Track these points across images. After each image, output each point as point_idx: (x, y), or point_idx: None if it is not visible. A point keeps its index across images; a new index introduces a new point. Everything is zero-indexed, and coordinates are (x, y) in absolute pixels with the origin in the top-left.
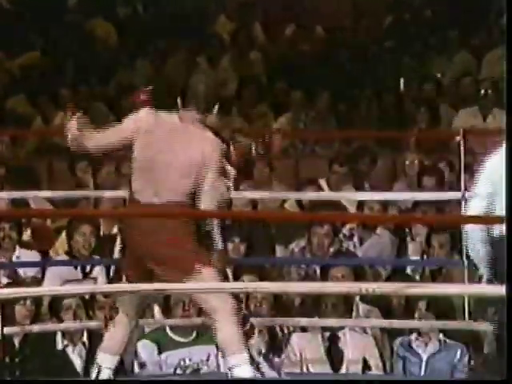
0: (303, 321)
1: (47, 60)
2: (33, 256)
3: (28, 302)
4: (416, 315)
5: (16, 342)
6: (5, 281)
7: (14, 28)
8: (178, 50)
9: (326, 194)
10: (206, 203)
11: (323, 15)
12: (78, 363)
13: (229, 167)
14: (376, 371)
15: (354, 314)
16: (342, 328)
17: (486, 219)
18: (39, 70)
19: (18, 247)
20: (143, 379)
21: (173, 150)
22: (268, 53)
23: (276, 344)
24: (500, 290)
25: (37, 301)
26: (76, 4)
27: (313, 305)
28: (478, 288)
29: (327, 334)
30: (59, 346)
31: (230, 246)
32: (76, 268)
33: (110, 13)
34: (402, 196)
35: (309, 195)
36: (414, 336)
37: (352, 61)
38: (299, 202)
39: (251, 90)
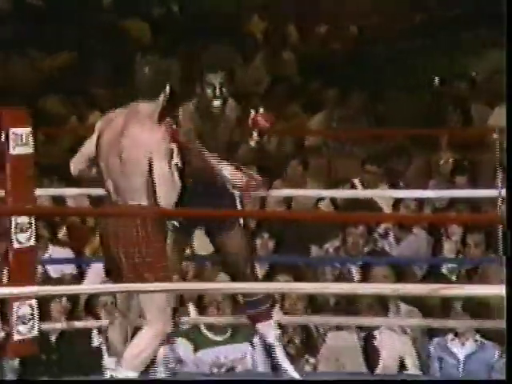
0: (339, 320)
1: (82, 60)
2: (66, 254)
3: (63, 300)
4: (452, 315)
5: (52, 338)
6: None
7: (51, 28)
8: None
9: (361, 192)
10: (162, 199)
11: (355, 14)
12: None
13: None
14: (413, 371)
15: (393, 313)
16: (377, 327)
17: (485, 218)
18: (74, 69)
19: (50, 246)
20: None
21: (118, 150)
22: (301, 52)
23: (311, 343)
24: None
25: (72, 298)
26: (111, 4)
27: (347, 304)
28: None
29: (363, 333)
30: (95, 343)
31: (258, 241)
32: None
33: (144, 13)
34: (437, 194)
35: (343, 193)
36: (450, 336)
37: (384, 59)
38: (334, 202)
39: (282, 88)
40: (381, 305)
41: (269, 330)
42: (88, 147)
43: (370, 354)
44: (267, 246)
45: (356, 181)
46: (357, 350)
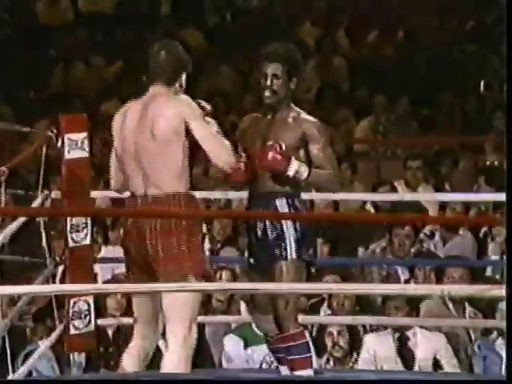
0: (376, 320)
1: (139, 66)
2: (118, 252)
3: (118, 296)
4: (498, 315)
5: (110, 333)
6: None
7: (112, 36)
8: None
9: (403, 195)
10: (217, 158)
11: (405, 20)
12: None
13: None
14: (449, 369)
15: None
16: (410, 328)
17: (485, 220)
18: (132, 76)
19: (103, 248)
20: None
21: (147, 127)
22: (351, 58)
23: (356, 343)
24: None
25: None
26: (169, 14)
27: (382, 304)
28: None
29: (397, 334)
30: None
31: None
32: None
33: (200, 22)
34: (480, 197)
35: (386, 196)
36: (495, 336)
37: (434, 64)
38: (374, 203)
39: (332, 94)
40: (411, 306)
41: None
42: (114, 156)
43: (405, 354)
44: (322, 250)
45: (396, 183)
46: (393, 351)
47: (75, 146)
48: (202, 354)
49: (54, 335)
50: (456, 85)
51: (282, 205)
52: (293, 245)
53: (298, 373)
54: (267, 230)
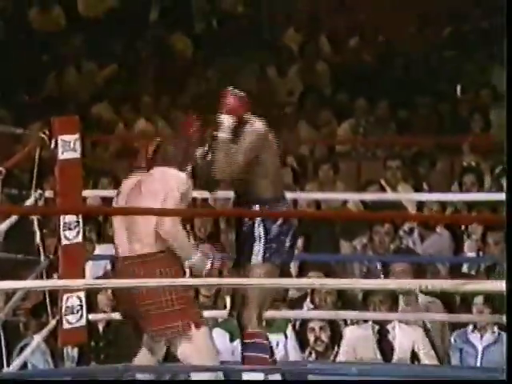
0: (355, 314)
1: (129, 70)
2: (111, 249)
3: (109, 292)
4: (474, 310)
5: (100, 327)
6: None
7: (103, 41)
8: (250, 61)
9: (386, 195)
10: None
11: (385, 27)
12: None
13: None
14: (426, 361)
15: (405, 305)
16: (390, 321)
17: (485, 219)
18: (122, 79)
19: (97, 246)
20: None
21: (140, 186)
22: (333, 63)
23: (337, 336)
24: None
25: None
26: (158, 20)
27: (363, 299)
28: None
29: (377, 327)
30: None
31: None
32: None
33: (187, 27)
34: (456, 197)
35: (365, 196)
36: (470, 328)
37: (412, 69)
38: (362, 202)
39: (315, 97)
40: (391, 300)
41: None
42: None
43: (385, 346)
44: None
45: (383, 181)
46: (372, 343)
47: (68, 147)
48: None
49: (47, 329)
50: (433, 89)
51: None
52: (261, 249)
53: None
54: (243, 232)
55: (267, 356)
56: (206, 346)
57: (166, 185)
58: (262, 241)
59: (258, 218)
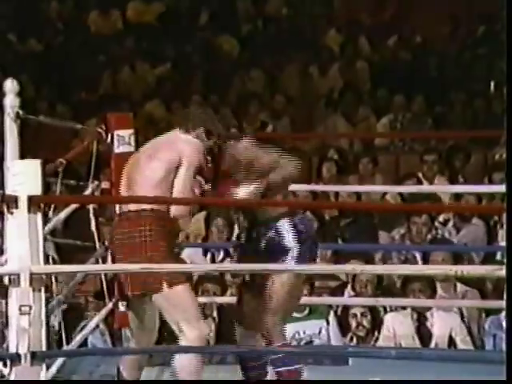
0: (396, 301)
1: (180, 70)
2: None
3: None
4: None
5: None
6: None
7: (155, 42)
8: (293, 61)
9: (421, 187)
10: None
11: (422, 26)
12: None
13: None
14: (462, 346)
15: (443, 293)
16: (429, 309)
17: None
18: (173, 79)
19: None
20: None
21: (152, 152)
22: (372, 61)
23: (377, 322)
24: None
25: None
26: (207, 23)
27: (402, 288)
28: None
29: (416, 315)
30: None
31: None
32: (205, 255)
33: (234, 29)
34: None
35: (402, 188)
36: (503, 315)
37: (447, 67)
38: (400, 193)
39: (354, 95)
40: (430, 288)
41: None
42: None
43: (423, 332)
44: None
45: (420, 175)
46: (411, 329)
47: (123, 141)
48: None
49: (104, 312)
50: (467, 86)
51: (283, 224)
52: (292, 259)
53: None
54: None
55: (300, 365)
56: (180, 303)
57: (178, 150)
58: (295, 252)
59: (286, 228)
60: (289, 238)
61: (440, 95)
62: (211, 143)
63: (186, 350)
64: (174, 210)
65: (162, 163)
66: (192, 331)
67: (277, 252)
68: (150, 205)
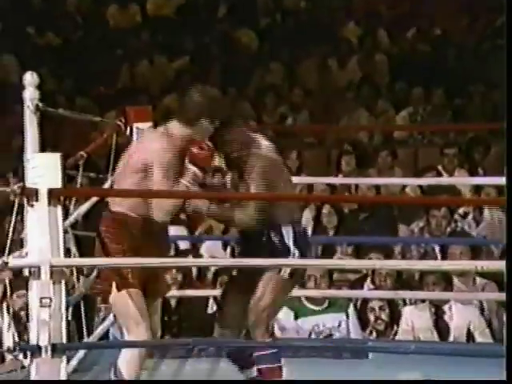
0: (420, 294)
1: (198, 63)
2: (181, 231)
3: (174, 271)
4: None
5: (172, 303)
6: None
7: (174, 36)
8: (312, 54)
9: (440, 180)
10: (154, 209)
11: (441, 18)
12: None
13: (190, 166)
14: (481, 340)
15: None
16: (446, 302)
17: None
18: (191, 72)
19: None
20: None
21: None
22: (391, 54)
23: (396, 316)
24: None
25: (185, 270)
26: (225, 15)
27: (420, 281)
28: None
29: (433, 308)
30: (209, 311)
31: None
32: (225, 249)
33: (253, 22)
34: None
35: (421, 181)
36: None
37: (466, 59)
38: (420, 186)
39: (373, 87)
40: (445, 281)
41: None
42: None
43: (441, 326)
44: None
45: (440, 168)
46: (429, 322)
47: (142, 134)
48: None
49: None
50: (486, 77)
51: (287, 230)
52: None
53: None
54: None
55: (281, 364)
56: (121, 308)
57: (146, 151)
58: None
59: (288, 233)
60: (290, 241)
61: (459, 87)
62: (211, 128)
63: (202, 342)
64: (156, 213)
65: (133, 167)
66: (129, 336)
67: (277, 253)
68: (128, 210)
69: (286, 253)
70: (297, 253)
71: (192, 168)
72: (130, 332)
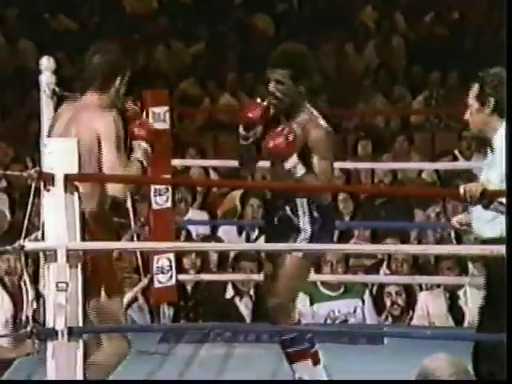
0: (437, 279)
1: (215, 49)
2: (202, 216)
3: (193, 255)
4: None
5: (189, 288)
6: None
7: (190, 21)
8: (329, 39)
9: (455, 164)
10: (108, 186)
11: (459, 2)
12: (245, 312)
13: (140, 142)
14: None
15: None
16: (460, 287)
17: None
18: (208, 57)
19: (191, 209)
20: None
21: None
22: (408, 38)
23: (412, 302)
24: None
25: (203, 254)
26: (241, 2)
27: (435, 266)
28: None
29: (448, 293)
30: (227, 296)
31: None
32: (240, 235)
33: (269, 8)
34: None
35: (437, 165)
36: None
37: (483, 43)
38: (436, 171)
39: (390, 72)
40: (460, 267)
41: (305, 370)
42: None
43: (455, 311)
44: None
45: (456, 151)
46: (444, 308)
47: (158, 118)
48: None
49: (139, 287)
50: (502, 60)
51: (301, 203)
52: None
53: (296, 365)
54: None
55: (307, 345)
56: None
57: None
58: (307, 235)
59: (304, 211)
60: (304, 219)
61: (476, 71)
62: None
63: (219, 326)
64: (110, 188)
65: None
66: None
67: (289, 230)
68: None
69: (297, 232)
70: (308, 232)
71: (142, 144)
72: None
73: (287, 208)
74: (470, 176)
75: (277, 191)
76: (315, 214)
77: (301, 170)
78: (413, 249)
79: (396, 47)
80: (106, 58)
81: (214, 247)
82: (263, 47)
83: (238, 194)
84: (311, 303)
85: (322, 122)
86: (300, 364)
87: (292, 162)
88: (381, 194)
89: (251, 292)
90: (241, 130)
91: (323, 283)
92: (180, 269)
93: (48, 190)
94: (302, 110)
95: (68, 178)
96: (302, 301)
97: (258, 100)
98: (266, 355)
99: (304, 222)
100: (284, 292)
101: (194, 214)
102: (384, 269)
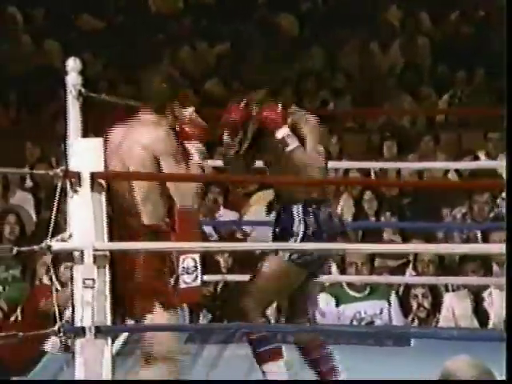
0: (463, 279)
1: (239, 49)
2: (233, 216)
3: (226, 255)
4: None
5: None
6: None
7: (215, 21)
8: (353, 38)
9: (480, 164)
10: (177, 199)
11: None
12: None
13: (194, 143)
14: None
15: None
16: (486, 288)
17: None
18: (231, 58)
19: (222, 208)
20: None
21: (119, 160)
22: (434, 37)
23: (438, 304)
24: None
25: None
26: (266, 1)
27: (459, 268)
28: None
29: (473, 295)
30: None
31: None
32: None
33: (293, 7)
34: None
35: (461, 165)
36: None
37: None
38: (458, 172)
39: (415, 71)
40: (485, 268)
41: (276, 371)
42: None
43: (480, 313)
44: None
45: (480, 153)
46: (469, 309)
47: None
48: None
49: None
50: None
51: (297, 210)
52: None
53: (264, 366)
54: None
55: (274, 346)
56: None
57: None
58: (300, 238)
59: (299, 215)
60: (298, 224)
61: (502, 70)
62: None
63: (245, 327)
64: (180, 199)
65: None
66: None
67: (284, 234)
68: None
69: (289, 236)
70: (300, 234)
71: (194, 145)
72: None
73: (286, 213)
74: (495, 176)
75: (278, 193)
76: (310, 220)
77: (293, 143)
78: (422, 248)
79: (421, 46)
80: (172, 87)
81: (231, 247)
82: (288, 46)
83: (263, 195)
84: (337, 304)
85: (312, 117)
86: (271, 364)
87: (283, 131)
88: (419, 186)
89: None
90: (225, 136)
91: (349, 284)
92: (210, 268)
93: (75, 191)
94: (290, 112)
95: (94, 177)
96: (328, 302)
97: (242, 103)
98: (289, 356)
99: (298, 228)
100: (257, 292)
101: (225, 213)
102: (410, 270)
